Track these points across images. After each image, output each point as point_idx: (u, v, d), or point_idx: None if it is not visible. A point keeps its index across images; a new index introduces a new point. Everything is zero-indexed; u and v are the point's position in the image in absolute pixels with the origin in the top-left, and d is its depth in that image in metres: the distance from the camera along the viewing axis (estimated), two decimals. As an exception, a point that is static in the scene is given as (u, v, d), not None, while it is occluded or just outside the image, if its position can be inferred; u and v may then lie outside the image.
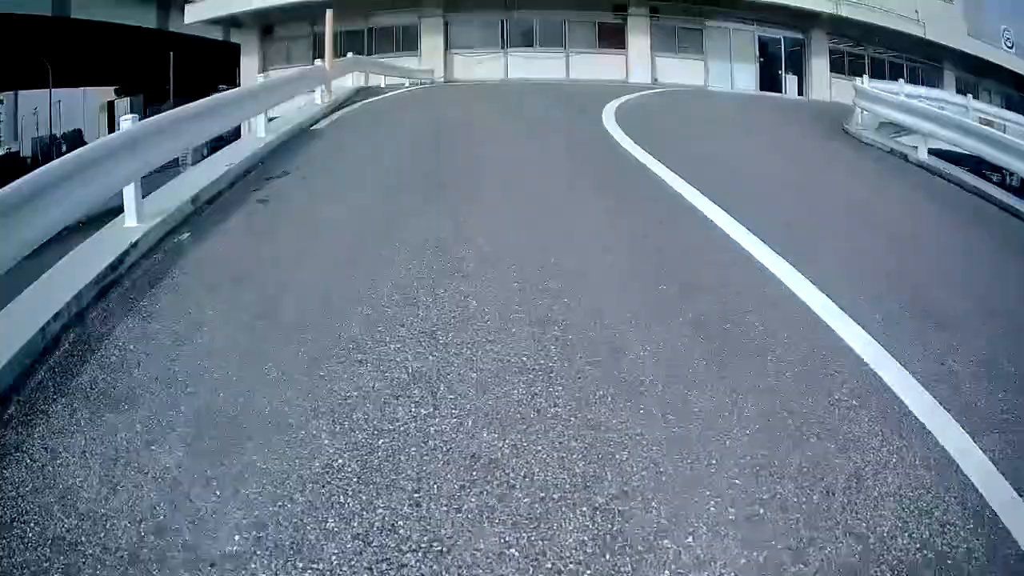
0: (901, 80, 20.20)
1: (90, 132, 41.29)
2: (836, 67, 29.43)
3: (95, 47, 31.30)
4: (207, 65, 32.49)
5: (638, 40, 27.36)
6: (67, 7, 29.04)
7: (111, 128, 38.15)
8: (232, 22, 29.67)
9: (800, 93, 29.32)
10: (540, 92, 18.97)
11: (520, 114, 14.45)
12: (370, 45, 28.37)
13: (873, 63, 29.26)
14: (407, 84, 22.80)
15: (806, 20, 28.18)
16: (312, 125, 11.98)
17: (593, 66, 27.36)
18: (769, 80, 29.09)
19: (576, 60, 27.62)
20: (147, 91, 34.02)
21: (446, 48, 27.72)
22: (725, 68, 28.59)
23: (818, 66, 29.10)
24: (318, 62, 15.47)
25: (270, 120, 10.74)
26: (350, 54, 19.34)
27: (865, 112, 13.78)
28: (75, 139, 39.80)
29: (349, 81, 18.09)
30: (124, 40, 29.95)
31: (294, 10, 27.23)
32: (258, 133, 10.08)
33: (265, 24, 29.55)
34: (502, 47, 27.73)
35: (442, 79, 27.04)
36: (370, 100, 15.88)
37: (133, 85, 37.90)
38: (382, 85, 20.77)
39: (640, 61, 27.39)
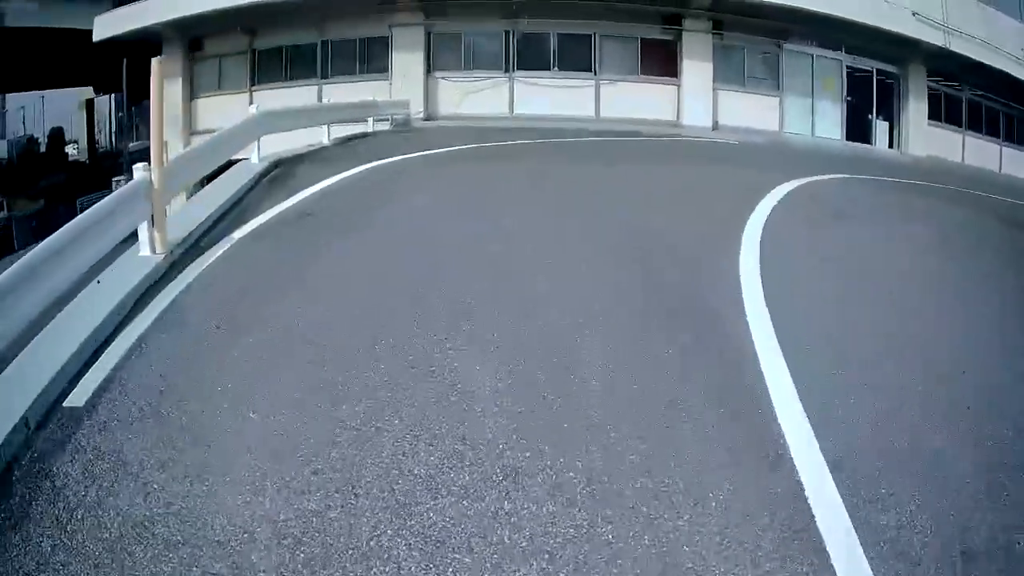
0: None
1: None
2: (932, 112, 21.92)
3: (60, 50, 25.92)
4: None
5: (696, 66, 19.66)
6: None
7: (90, 126, 38.50)
8: (152, 36, 21.40)
9: (891, 144, 21.83)
10: (592, 152, 12.72)
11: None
12: (325, 65, 20.42)
13: (970, 108, 22.46)
14: (371, 125, 15.79)
15: (904, 49, 20.64)
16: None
17: (632, 100, 19.67)
18: (857, 127, 21.52)
19: (609, 92, 19.82)
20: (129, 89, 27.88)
21: (428, 70, 19.72)
22: (804, 107, 20.95)
23: (915, 110, 21.56)
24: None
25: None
26: (253, 109, 11.38)
27: None
28: (56, 137, 40.88)
29: (254, 155, 10.49)
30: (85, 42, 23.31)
31: (225, 19, 19.52)
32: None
33: (192, 37, 21.44)
34: (506, 69, 19.79)
35: (421, 115, 19.09)
36: (260, 219, 7.58)
37: (111, 84, 32.93)
38: (325, 141, 13.44)
39: (697, 95, 19.70)
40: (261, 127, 10.79)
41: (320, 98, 19.55)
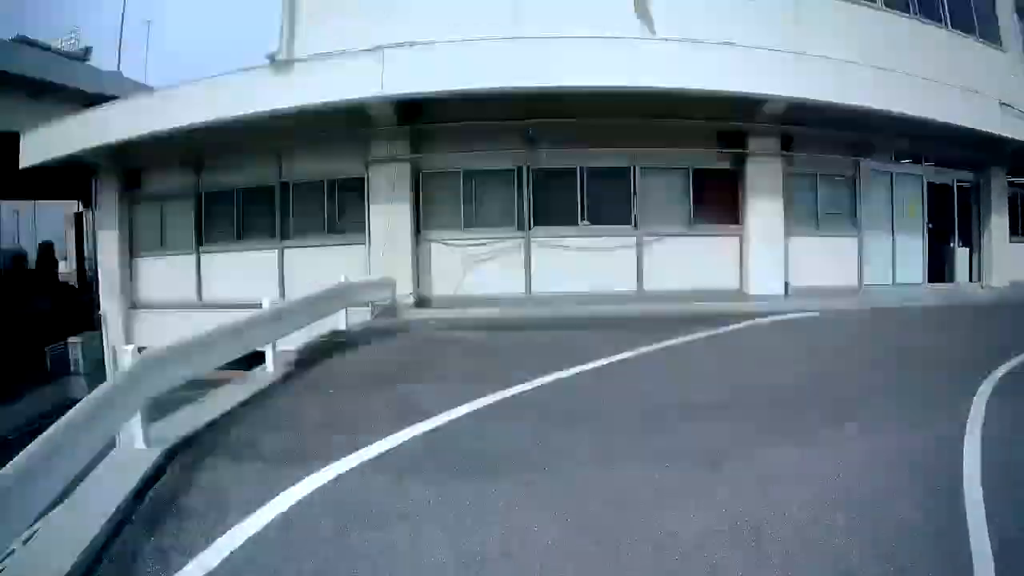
0: None
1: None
2: (1013, 223, 18.23)
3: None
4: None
5: (763, 204, 15.06)
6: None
7: (79, 242, 35.08)
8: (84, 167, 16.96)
9: (971, 275, 17.62)
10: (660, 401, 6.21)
11: None
12: (285, 218, 15.50)
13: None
14: (343, 320, 11.89)
15: (985, 150, 16.49)
16: None
17: (684, 261, 14.97)
18: (937, 260, 17.40)
19: (655, 252, 14.89)
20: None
21: (417, 228, 14.61)
22: (885, 248, 16.52)
23: (996, 227, 17.47)
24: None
25: None
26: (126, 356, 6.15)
27: None
28: (46, 253, 38.46)
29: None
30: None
31: (165, 148, 15.10)
32: None
33: (128, 168, 16.75)
34: (519, 225, 14.79)
35: (410, 298, 13.80)
36: None
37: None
38: (268, 368, 9.07)
39: (765, 247, 15.08)
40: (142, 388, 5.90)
41: (280, 264, 15.46)
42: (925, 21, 15.45)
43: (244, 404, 7.60)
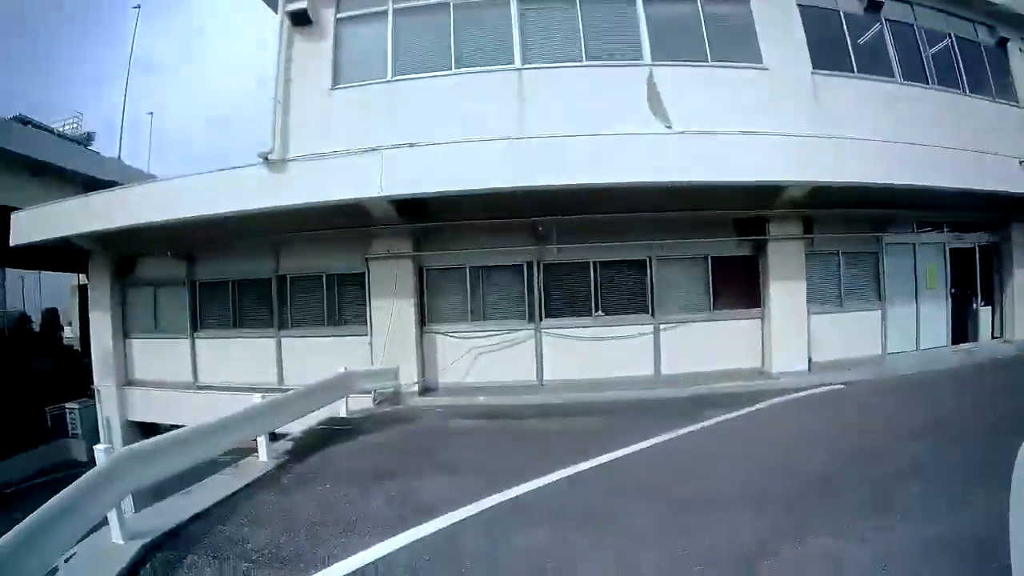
0: None
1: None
2: None
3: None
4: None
5: (785, 287, 14.30)
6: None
7: (82, 311, 32.64)
8: (72, 253, 16.48)
9: (993, 332, 16.90)
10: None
11: None
12: (283, 309, 14.99)
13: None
14: (344, 407, 11.80)
15: (1006, 208, 15.89)
16: None
17: (703, 346, 14.32)
18: (960, 321, 16.65)
19: (673, 338, 14.35)
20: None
21: (421, 321, 14.18)
22: (908, 317, 15.81)
23: (1019, 283, 16.73)
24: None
25: None
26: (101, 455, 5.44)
27: None
28: (50, 319, 39.70)
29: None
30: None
31: (158, 239, 14.66)
32: None
33: (120, 255, 16.15)
34: (530, 318, 14.31)
35: (415, 386, 13.32)
36: None
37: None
38: (261, 457, 8.79)
39: (788, 329, 14.27)
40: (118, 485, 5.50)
41: (278, 352, 14.88)
42: (943, 89, 15.08)
43: (233, 495, 7.04)
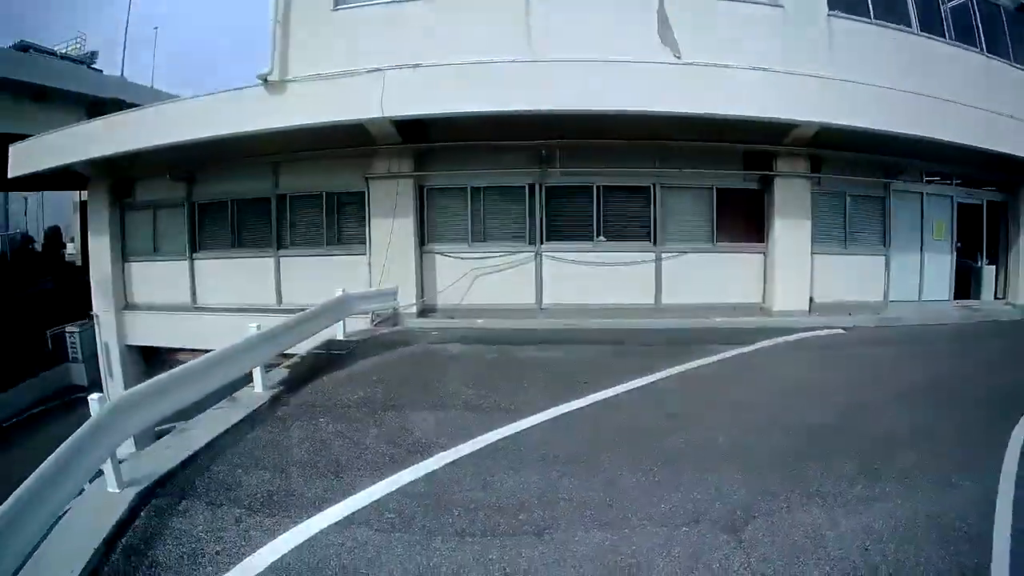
0: None
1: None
2: None
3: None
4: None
5: (790, 224, 14.15)
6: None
7: (83, 226, 32.48)
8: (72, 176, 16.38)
9: (996, 293, 16.79)
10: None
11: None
12: (281, 228, 14.76)
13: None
14: (341, 330, 11.68)
15: (1018, 172, 15.54)
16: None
17: (705, 278, 14.28)
18: (964, 278, 16.58)
19: (674, 268, 14.23)
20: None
21: (421, 241, 14.04)
22: (912, 266, 15.68)
23: None
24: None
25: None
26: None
27: None
28: (52, 237, 40.98)
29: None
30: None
31: (157, 161, 14.34)
32: None
33: (119, 179, 15.93)
34: (530, 240, 14.16)
35: (413, 307, 13.32)
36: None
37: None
38: (256, 389, 8.52)
39: (791, 265, 14.20)
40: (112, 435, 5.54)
41: (277, 272, 14.88)
42: (960, 46, 14.52)
43: (227, 433, 7.09)
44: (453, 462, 6.49)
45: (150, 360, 16.40)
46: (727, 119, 12.18)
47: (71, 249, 41.61)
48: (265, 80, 12.37)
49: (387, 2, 12.86)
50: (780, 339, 11.95)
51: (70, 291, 30.35)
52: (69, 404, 21.90)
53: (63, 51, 31.07)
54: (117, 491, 5.43)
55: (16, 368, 23.16)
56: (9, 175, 15.40)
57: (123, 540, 4.91)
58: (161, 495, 5.64)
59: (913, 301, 15.50)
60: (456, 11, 12.65)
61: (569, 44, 12.16)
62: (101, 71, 31.33)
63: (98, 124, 14.25)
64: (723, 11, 12.87)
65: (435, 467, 6.38)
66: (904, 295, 15.46)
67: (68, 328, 24.83)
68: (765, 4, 13.07)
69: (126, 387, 15.16)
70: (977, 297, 16.54)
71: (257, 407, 7.91)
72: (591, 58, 11.71)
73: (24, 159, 15.17)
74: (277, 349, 9.24)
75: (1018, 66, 15.36)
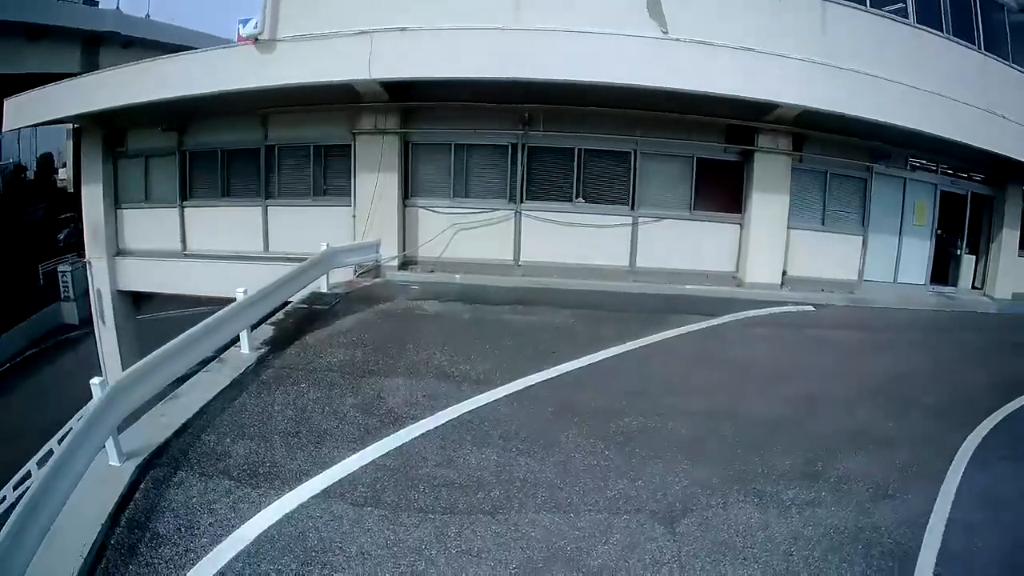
0: None
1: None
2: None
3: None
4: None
5: (767, 199, 14.44)
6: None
7: (76, 151, 32.14)
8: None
9: (974, 282, 17.08)
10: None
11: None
12: (270, 177, 15.10)
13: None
14: (325, 283, 12.25)
15: (1005, 169, 15.71)
16: None
17: (680, 244, 14.68)
18: (942, 264, 16.85)
19: (651, 232, 14.64)
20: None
21: (404, 194, 14.36)
22: (889, 248, 15.93)
23: (1007, 240, 16.70)
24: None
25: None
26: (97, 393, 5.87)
27: None
28: (45, 164, 43.59)
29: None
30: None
31: (150, 114, 14.58)
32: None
33: (112, 129, 15.96)
34: (510, 198, 14.51)
35: (395, 260, 13.77)
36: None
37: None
38: (243, 350, 9.14)
39: (766, 238, 14.57)
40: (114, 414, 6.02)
41: (265, 221, 15.23)
42: (958, 42, 14.48)
43: (216, 399, 7.64)
44: (422, 435, 7.09)
45: (140, 304, 16.88)
46: (708, 95, 12.35)
47: (63, 175, 41.94)
48: (256, 39, 12.46)
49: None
50: (750, 312, 12.47)
51: (60, 215, 30.46)
52: (61, 344, 22.42)
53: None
54: (118, 464, 5.97)
55: (10, 308, 23.51)
56: (4, 129, 15.63)
57: (126, 514, 5.45)
58: (157, 465, 6.20)
59: (888, 282, 15.83)
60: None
61: (556, 12, 12.24)
62: (97, 3, 30.83)
63: (91, 79, 14.38)
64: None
65: (406, 439, 6.98)
66: (880, 276, 15.76)
67: (60, 268, 25.22)
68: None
69: (117, 332, 15.77)
70: (954, 284, 16.82)
71: (243, 370, 8.44)
72: (578, 28, 11.84)
73: (19, 113, 15.31)
74: (263, 312, 9.71)
75: (1016, 67, 15.34)
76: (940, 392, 9.35)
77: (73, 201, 31.72)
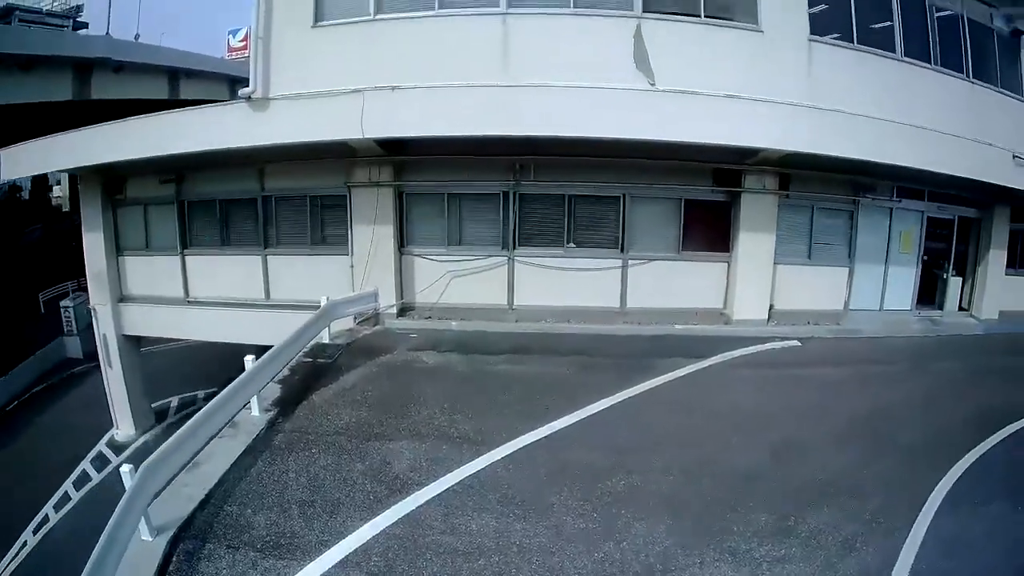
0: None
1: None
2: (1011, 258, 17.54)
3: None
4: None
5: (754, 237, 14.95)
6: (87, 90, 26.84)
7: (72, 187, 34.82)
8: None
9: (961, 304, 17.48)
10: None
11: None
12: (268, 227, 15.56)
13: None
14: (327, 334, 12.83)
15: (993, 195, 16.14)
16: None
17: (669, 284, 15.17)
18: (929, 287, 17.25)
19: (640, 274, 15.20)
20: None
21: (400, 244, 14.94)
22: (875, 278, 16.41)
23: (994, 260, 17.16)
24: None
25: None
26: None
27: None
28: (40, 182, 43.37)
29: None
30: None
31: (147, 167, 15.18)
32: None
33: (111, 179, 16.51)
34: (504, 245, 15.07)
35: (393, 308, 14.33)
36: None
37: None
38: (254, 412, 9.71)
39: (753, 276, 15.08)
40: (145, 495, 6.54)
41: (265, 269, 15.76)
42: (946, 72, 14.88)
43: (234, 467, 8.18)
44: (427, 502, 7.64)
45: (143, 339, 17.45)
46: (696, 144, 12.83)
47: (57, 192, 42.45)
48: (249, 98, 12.97)
49: (367, 20, 13.31)
50: (736, 352, 12.86)
51: (57, 237, 30.65)
52: (67, 380, 22.82)
53: (48, 6, 30.92)
54: (150, 539, 6.52)
55: (16, 342, 23.83)
56: (3, 179, 16.07)
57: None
58: (185, 539, 6.72)
59: (874, 310, 16.22)
60: (435, 31, 13.19)
61: (545, 69, 12.66)
62: (87, 24, 31.31)
63: (88, 132, 14.61)
64: (700, 36, 13.34)
65: (412, 507, 7.53)
66: (866, 303, 16.16)
67: (63, 304, 25.48)
68: (744, 28, 13.49)
69: (125, 377, 16.27)
70: (940, 306, 17.18)
71: (256, 435, 8.97)
72: (564, 83, 12.27)
73: (15, 164, 15.70)
74: (270, 375, 10.25)
75: (1006, 92, 15.73)
76: (916, 430, 9.69)
77: (71, 219, 31.96)
